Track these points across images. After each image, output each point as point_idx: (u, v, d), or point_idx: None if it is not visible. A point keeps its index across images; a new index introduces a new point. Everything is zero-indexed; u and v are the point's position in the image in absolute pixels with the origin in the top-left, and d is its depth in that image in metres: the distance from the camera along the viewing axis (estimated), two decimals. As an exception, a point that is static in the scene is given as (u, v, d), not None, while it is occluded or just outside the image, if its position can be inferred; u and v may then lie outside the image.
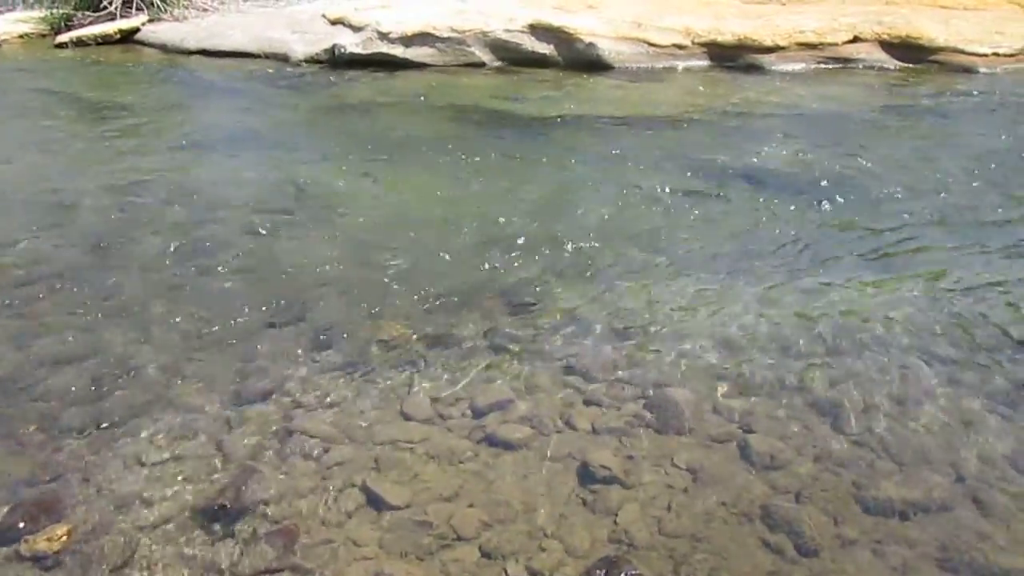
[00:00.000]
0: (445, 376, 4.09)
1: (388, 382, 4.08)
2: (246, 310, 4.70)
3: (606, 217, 5.80)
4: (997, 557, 3.01)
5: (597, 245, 5.38)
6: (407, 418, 3.80)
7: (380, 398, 3.95)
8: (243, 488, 3.41)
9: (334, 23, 11.42)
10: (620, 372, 4.08)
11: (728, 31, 10.49)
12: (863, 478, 3.38)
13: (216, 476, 3.52)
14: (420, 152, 7.30)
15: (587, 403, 3.85)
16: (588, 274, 5.03)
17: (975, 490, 3.33)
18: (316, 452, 3.61)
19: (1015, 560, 2.99)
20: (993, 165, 6.94)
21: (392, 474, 3.47)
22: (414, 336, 4.46)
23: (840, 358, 4.20)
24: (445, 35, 10.54)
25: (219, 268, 5.18)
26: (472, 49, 10.53)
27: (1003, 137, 7.72)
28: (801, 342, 4.32)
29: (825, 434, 3.64)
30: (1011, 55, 10.75)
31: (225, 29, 11.98)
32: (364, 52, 10.64)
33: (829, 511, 3.19)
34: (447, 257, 5.27)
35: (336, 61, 10.71)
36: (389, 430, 3.73)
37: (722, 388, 3.94)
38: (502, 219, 5.75)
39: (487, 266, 5.14)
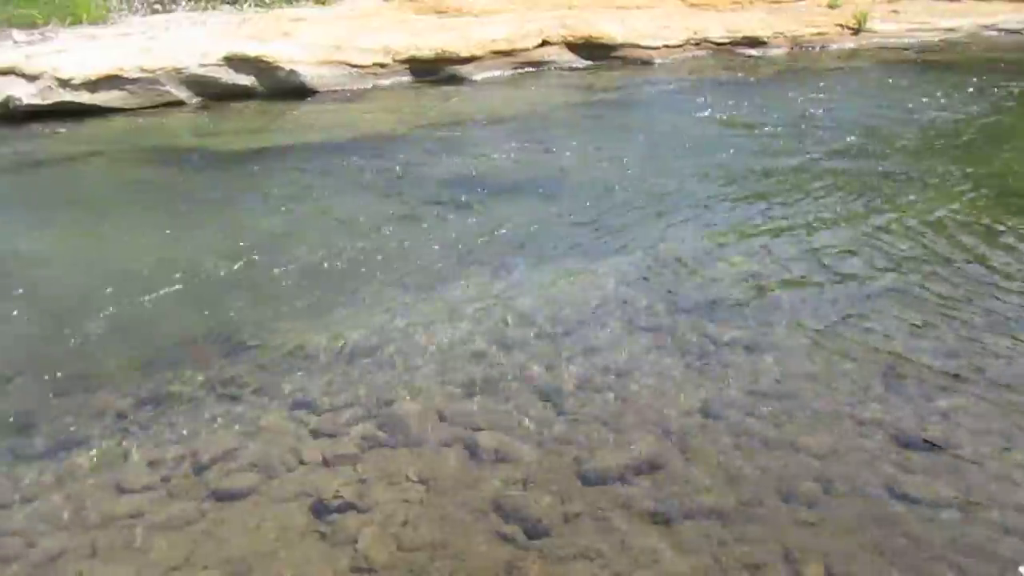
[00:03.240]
0: (163, 436, 3.85)
1: (99, 456, 3.76)
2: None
3: (319, 245, 5.73)
4: (704, 499, 3.32)
5: (312, 274, 5.32)
6: (124, 491, 3.52)
7: (91, 476, 3.63)
8: (-65, 612, 3.01)
9: (4, 74, 10.34)
10: (347, 397, 4.06)
11: (426, 46, 10.78)
12: (583, 452, 3.60)
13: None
14: (118, 203, 6.83)
15: (316, 435, 3.79)
16: (307, 305, 4.95)
17: (681, 442, 3.66)
18: (21, 553, 3.25)
19: (720, 500, 3.31)
20: (673, 143, 7.72)
21: (113, 555, 3.21)
22: (125, 401, 4.14)
23: (556, 343, 4.45)
24: (135, 76, 9.90)
25: None
26: (167, 88, 9.99)
27: (678, 118, 8.59)
28: (520, 335, 4.53)
29: (547, 418, 3.84)
30: (678, 46, 11.99)
31: None
32: (44, 102, 9.73)
33: (555, 491, 3.37)
34: (155, 310, 4.96)
35: (13, 115, 9.71)
36: (105, 508, 3.44)
37: (447, 393, 4.04)
38: (211, 263, 5.50)
39: (200, 313, 4.90)
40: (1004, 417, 3.71)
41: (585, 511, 3.27)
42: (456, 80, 10.60)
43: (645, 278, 5.18)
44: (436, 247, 5.68)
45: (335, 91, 10.20)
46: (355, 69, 10.49)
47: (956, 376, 4.02)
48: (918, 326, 4.48)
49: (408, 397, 4.01)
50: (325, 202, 6.59)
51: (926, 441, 3.57)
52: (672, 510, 3.26)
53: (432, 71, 10.73)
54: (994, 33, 13.67)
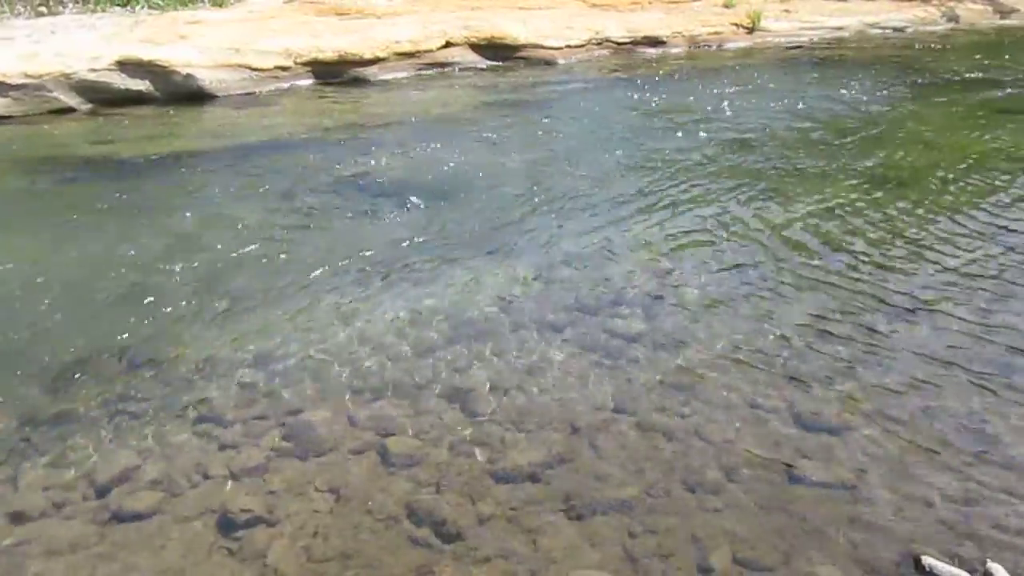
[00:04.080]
0: (58, 458, 3.68)
1: (-10, 482, 3.59)
2: None
3: (220, 254, 5.59)
4: (614, 492, 3.38)
5: (214, 284, 5.18)
6: (17, 518, 3.36)
7: (-19, 503, 3.47)
8: None
9: None
10: (256, 408, 3.97)
11: (328, 48, 10.65)
12: (495, 453, 3.62)
13: None
14: (8, 215, 6.51)
15: (223, 448, 3.70)
16: (209, 316, 4.82)
17: (589, 437, 3.72)
18: (-96, 587, 3.08)
19: (627, 491, 3.38)
20: (577, 142, 7.81)
21: (6, 585, 3.07)
22: (19, 422, 3.95)
23: (465, 345, 4.45)
24: (19, 82, 9.47)
25: None
26: (55, 94, 9.58)
27: (581, 117, 8.70)
28: (429, 338, 4.52)
29: (458, 420, 3.84)
30: (580, 46, 12.17)
31: None
32: (-80, 111, 9.23)
33: (467, 493, 3.38)
34: (54, 326, 4.75)
35: None
36: (-3, 537, 3.29)
37: (357, 400, 4.00)
38: (108, 275, 5.31)
39: (96, 327, 4.71)
40: (896, 401, 3.89)
41: (498, 511, 3.28)
42: (360, 82, 10.51)
43: (552, 277, 5.23)
44: (342, 252, 5.61)
45: (235, 95, 9.98)
46: (255, 72, 10.29)
47: (851, 362, 4.20)
48: (814, 315, 4.66)
49: (317, 405, 3.95)
50: (225, 210, 6.43)
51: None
52: (583, 505, 3.31)
53: (335, 73, 10.61)
54: (878, 31, 14.34)
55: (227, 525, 3.26)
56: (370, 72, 10.75)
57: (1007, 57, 12.32)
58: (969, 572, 2.88)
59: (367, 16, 12.00)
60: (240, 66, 10.23)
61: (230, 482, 3.50)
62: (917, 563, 2.94)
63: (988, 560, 2.93)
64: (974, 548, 3.01)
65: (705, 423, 3.77)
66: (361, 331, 4.61)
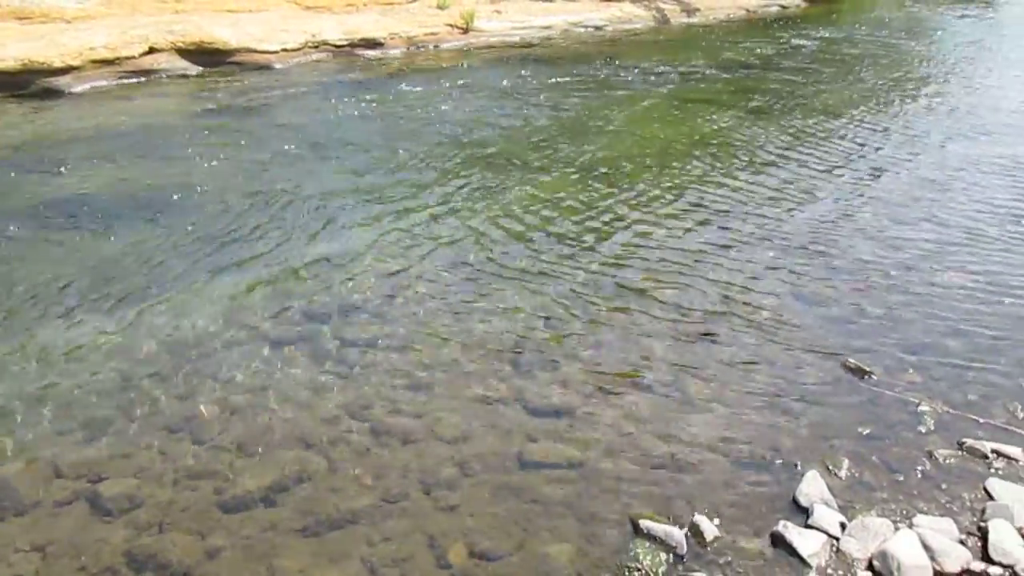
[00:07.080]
0: None
1: None
2: None
3: None
4: (351, 504, 3.33)
5: None
6: None
7: None
8: None
9: None
10: (-64, 471, 3.49)
11: (8, 56, 9.57)
12: (223, 482, 3.43)
13: None
14: None
15: None
16: None
17: (324, 451, 3.63)
18: None
19: (364, 501, 3.34)
20: (293, 149, 7.62)
21: None
22: None
23: (187, 371, 4.19)
24: None
25: None
26: None
27: (299, 122, 8.50)
28: (146, 368, 4.20)
29: (181, 452, 3.60)
30: (297, 49, 11.89)
31: None
32: None
33: (194, 529, 3.18)
34: None
35: None
36: None
37: (62, 445, 3.62)
38: None
39: None
40: (611, 379, 4.18)
41: (229, 543, 3.12)
42: (52, 94, 9.55)
43: (276, 291, 5.07)
44: (32, 282, 5.07)
45: None
46: (-82, 86, 9.03)
47: (575, 344, 4.46)
48: (534, 303, 4.89)
49: (13, 458, 3.53)
50: None
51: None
52: (320, 522, 3.23)
53: (19, 84, 9.55)
54: (581, 29, 15.36)
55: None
56: (63, 82, 9.79)
57: (689, 51, 13.67)
58: (680, 527, 3.16)
59: (54, 20, 10.92)
60: (-102, 79, 8.92)
61: (-94, 561, 3.04)
62: (636, 526, 3.18)
63: (695, 514, 3.23)
64: (683, 506, 3.30)
65: (439, 421, 3.83)
66: (63, 368, 4.19)
